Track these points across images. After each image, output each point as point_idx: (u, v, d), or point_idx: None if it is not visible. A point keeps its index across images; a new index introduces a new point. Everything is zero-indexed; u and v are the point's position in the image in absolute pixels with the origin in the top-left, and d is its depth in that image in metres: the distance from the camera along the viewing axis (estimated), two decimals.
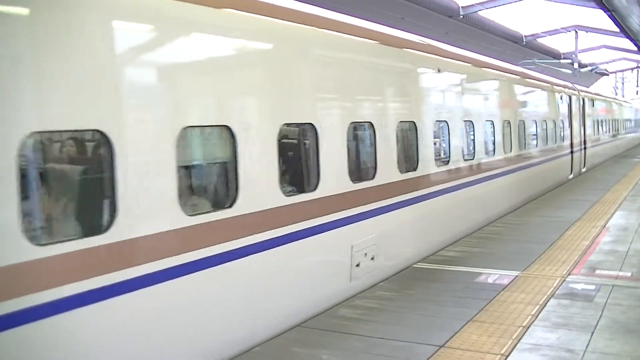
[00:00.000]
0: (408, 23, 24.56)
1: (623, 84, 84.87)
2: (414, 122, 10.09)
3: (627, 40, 34.58)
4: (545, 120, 19.11)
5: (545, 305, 7.64)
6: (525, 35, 41.54)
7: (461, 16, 30.37)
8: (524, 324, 6.98)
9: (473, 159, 12.93)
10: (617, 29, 32.05)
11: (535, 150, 17.99)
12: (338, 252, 8.11)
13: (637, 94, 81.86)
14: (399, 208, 9.49)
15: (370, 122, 8.81)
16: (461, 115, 12.31)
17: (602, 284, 8.49)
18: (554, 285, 8.49)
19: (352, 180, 8.26)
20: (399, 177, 9.54)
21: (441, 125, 11.34)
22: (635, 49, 37.06)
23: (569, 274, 9.02)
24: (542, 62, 40.46)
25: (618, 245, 10.90)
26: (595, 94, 31.62)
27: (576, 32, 43.25)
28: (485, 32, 35.09)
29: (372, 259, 8.67)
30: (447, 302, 7.90)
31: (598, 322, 7.01)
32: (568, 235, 11.85)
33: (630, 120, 46.70)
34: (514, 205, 15.47)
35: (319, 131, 7.58)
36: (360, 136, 8.87)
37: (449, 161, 11.55)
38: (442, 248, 10.85)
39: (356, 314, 7.47)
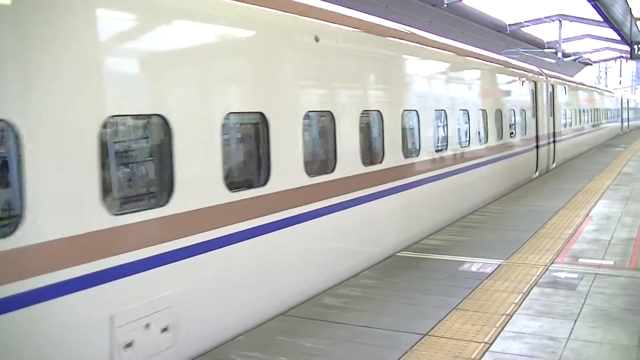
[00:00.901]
0: (392, 12, 24.53)
1: (606, 73, 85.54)
2: (261, 115, 7.01)
3: (611, 29, 34.74)
4: (499, 110, 15.59)
5: (528, 294, 7.67)
6: (509, 24, 41.58)
7: (445, 5, 30.34)
8: (507, 312, 7.00)
9: (381, 161, 9.63)
10: (600, 19, 32.21)
11: (486, 147, 14.44)
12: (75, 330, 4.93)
13: (620, 83, 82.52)
14: (226, 245, 6.32)
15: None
16: (355, 103, 9.03)
17: (585, 273, 8.53)
18: (537, 273, 8.53)
19: (109, 212, 5.11)
20: (227, 197, 6.37)
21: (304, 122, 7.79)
22: (619, 38, 37.23)
23: (552, 263, 9.06)
24: (526, 52, 40.56)
25: (601, 234, 10.96)
26: (567, 80, 28.23)
27: (560, 21, 43.31)
28: (469, 21, 35.11)
29: (165, 330, 5.64)
30: (431, 290, 7.91)
31: (581, 310, 7.04)
32: (551, 224, 11.90)
33: (610, 110, 44.49)
34: (448, 220, 12.22)
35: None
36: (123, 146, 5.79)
37: (333, 168, 8.29)
38: (306, 299, 7.58)
39: (340, 302, 7.46)
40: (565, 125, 25.05)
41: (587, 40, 55.26)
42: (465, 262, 9.16)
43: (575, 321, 6.69)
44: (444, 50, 12.95)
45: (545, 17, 42.36)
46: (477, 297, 7.60)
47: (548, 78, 22.20)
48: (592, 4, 26.31)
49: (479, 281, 8.21)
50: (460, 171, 12.87)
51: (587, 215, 12.81)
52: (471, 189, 13.70)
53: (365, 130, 9.30)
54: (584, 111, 30.90)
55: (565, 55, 46.51)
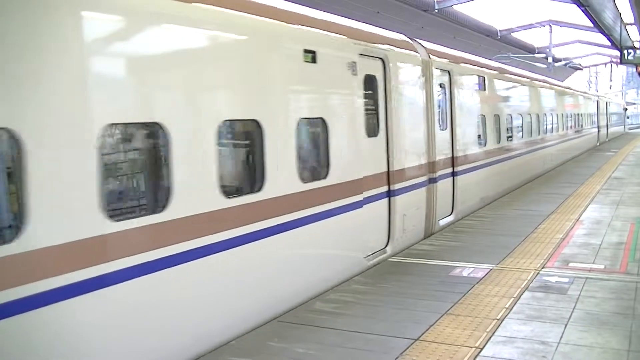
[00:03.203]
0: (384, 17, 24.59)
1: (597, 78, 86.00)
2: None
3: (601, 35, 34.91)
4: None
5: (519, 298, 7.67)
6: (500, 30, 41.78)
7: (436, 10, 30.46)
8: (498, 317, 7.00)
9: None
10: (591, 24, 32.37)
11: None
12: None
13: (610, 88, 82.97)
14: None
15: None
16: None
17: (575, 277, 8.55)
18: (528, 278, 8.54)
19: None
20: None
21: None
22: (609, 43, 37.40)
23: (543, 267, 9.07)
24: (517, 57, 40.73)
25: (591, 238, 10.99)
26: (493, 67, 17.37)
27: (550, 26, 43.57)
28: (461, 26, 35.24)
29: None
30: (422, 295, 7.91)
31: (571, 314, 7.05)
32: (542, 229, 11.93)
33: (579, 115, 32.32)
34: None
35: None
36: None
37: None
38: None
39: (331, 307, 7.45)
40: (481, 144, 14.97)
41: (578, 46, 55.65)
42: (456, 267, 9.16)
43: (566, 325, 6.70)
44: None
45: (535, 23, 42.64)
46: (468, 301, 7.60)
47: (431, 56, 12.04)
48: (582, 10, 26.45)
49: (469, 286, 8.22)
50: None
51: (578, 219, 12.84)
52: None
53: None
54: (528, 117, 20.23)
55: (555, 60, 46.77)
